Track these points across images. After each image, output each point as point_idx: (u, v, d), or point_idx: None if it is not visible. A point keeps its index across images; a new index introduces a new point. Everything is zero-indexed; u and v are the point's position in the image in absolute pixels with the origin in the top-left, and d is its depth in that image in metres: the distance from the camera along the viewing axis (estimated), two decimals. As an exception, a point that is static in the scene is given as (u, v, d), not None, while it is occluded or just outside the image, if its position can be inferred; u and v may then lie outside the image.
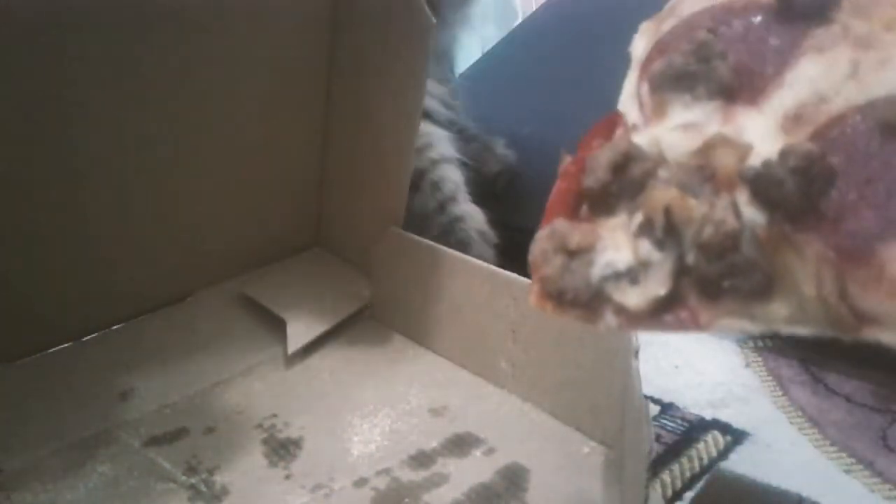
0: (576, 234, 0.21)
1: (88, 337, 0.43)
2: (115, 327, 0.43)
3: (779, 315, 0.18)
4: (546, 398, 0.39)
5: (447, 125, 0.56)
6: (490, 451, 0.37)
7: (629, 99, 0.22)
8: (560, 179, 0.22)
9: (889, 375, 0.40)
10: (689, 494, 0.34)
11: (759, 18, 0.21)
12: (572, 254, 0.21)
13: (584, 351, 0.37)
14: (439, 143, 0.53)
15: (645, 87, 0.22)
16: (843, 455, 0.35)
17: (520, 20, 0.95)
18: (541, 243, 0.21)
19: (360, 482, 0.35)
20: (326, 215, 0.51)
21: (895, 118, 0.18)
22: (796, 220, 0.18)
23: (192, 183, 0.44)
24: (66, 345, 0.42)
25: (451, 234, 0.49)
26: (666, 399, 0.40)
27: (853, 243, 0.17)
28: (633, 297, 0.19)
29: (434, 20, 0.38)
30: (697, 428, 0.38)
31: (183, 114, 0.41)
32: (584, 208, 0.21)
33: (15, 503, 0.34)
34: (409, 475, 0.35)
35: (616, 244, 0.20)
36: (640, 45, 0.23)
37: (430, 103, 0.55)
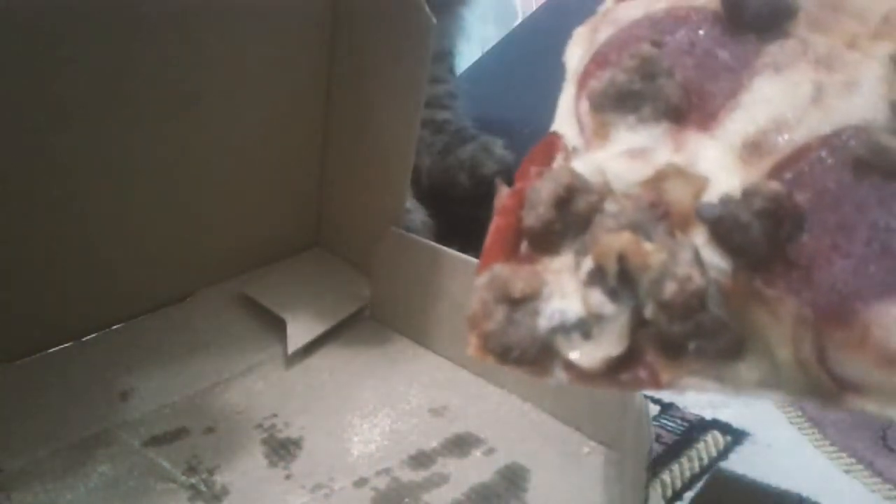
0: (518, 280, 0.18)
1: (88, 337, 0.43)
2: (115, 327, 0.43)
3: (749, 378, 0.17)
4: (546, 398, 0.39)
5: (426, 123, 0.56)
6: (490, 451, 0.36)
7: (566, 117, 0.20)
8: (497, 216, 0.20)
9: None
10: (689, 494, 0.34)
11: (705, 29, 0.19)
12: (516, 303, 0.18)
13: None
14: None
15: (584, 106, 0.19)
16: (843, 455, 0.35)
17: (520, 20, 0.95)
18: (480, 293, 0.18)
19: (360, 482, 0.35)
20: (326, 215, 0.51)
21: (867, 153, 0.16)
22: (764, 268, 0.16)
23: (192, 183, 0.44)
24: (66, 345, 0.42)
25: (403, 224, 0.50)
26: (666, 399, 0.40)
27: (830, 300, 0.15)
28: (586, 355, 0.17)
29: (434, 20, 0.39)
30: (697, 428, 0.38)
31: (182, 114, 0.41)
32: (525, 246, 0.19)
33: (15, 503, 0.34)
34: (409, 475, 0.35)
35: (562, 290, 0.17)
36: (574, 55, 0.21)
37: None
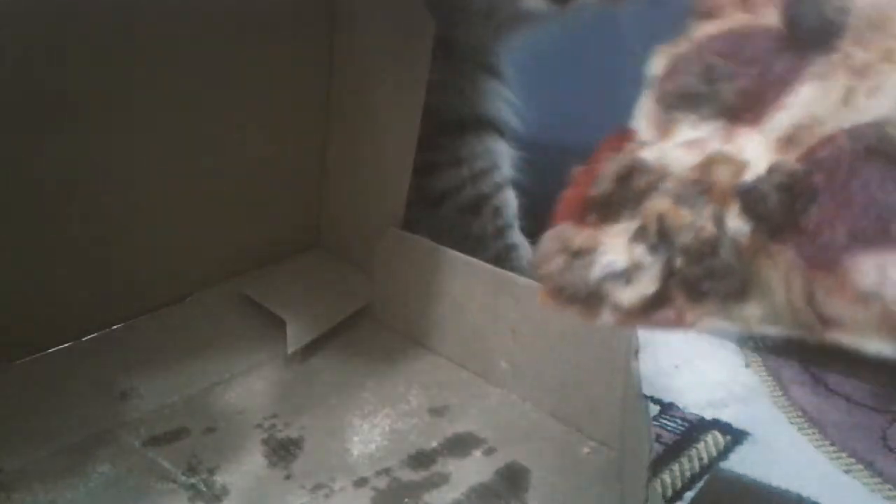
0: (578, 237, 0.22)
1: (88, 337, 0.43)
2: (115, 327, 0.43)
3: (753, 316, 0.20)
4: (546, 398, 0.39)
5: (512, 139, 0.52)
6: (490, 450, 0.37)
7: (642, 116, 0.24)
8: (570, 187, 0.24)
9: (889, 375, 0.40)
10: (689, 494, 0.34)
11: (768, 45, 0.22)
12: (574, 254, 0.22)
13: (585, 351, 0.37)
14: (504, 163, 0.50)
15: (657, 106, 0.24)
16: (843, 455, 0.35)
17: (520, 20, 0.95)
18: (546, 243, 0.23)
19: (361, 482, 0.35)
20: (327, 216, 0.51)
21: (877, 142, 0.19)
22: (776, 232, 0.19)
23: (192, 183, 0.44)
24: (66, 345, 0.42)
25: (506, 261, 0.48)
26: (666, 399, 0.40)
27: (823, 255, 0.19)
28: (627, 295, 0.21)
29: (433, 20, 0.38)
30: (697, 428, 0.38)
31: (182, 114, 0.41)
32: (592, 216, 0.23)
33: (15, 503, 0.34)
34: (409, 475, 0.35)
35: (616, 248, 0.22)
36: (656, 67, 0.25)
37: (502, 112, 0.51)
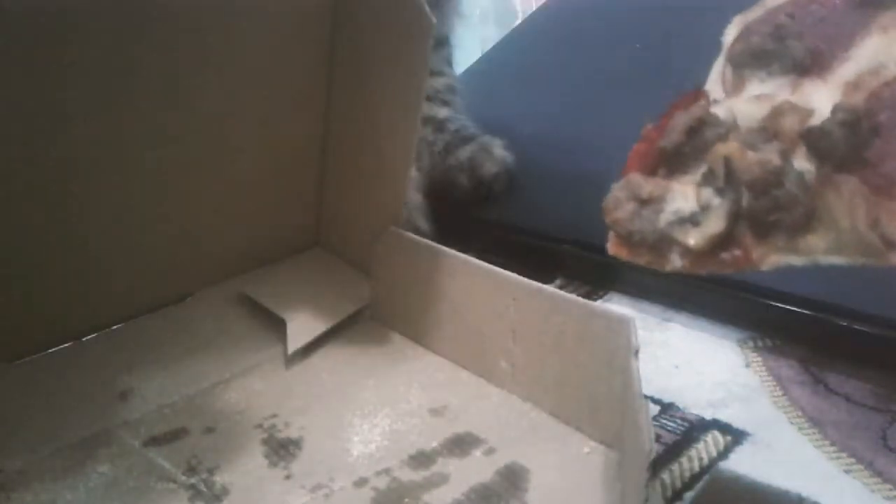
0: (648, 187, 0.24)
1: (88, 337, 0.43)
2: (115, 327, 0.43)
3: (818, 247, 0.22)
4: (546, 398, 0.39)
5: (427, 120, 0.57)
6: (490, 450, 0.36)
7: (714, 78, 0.26)
8: (639, 142, 0.26)
9: (889, 375, 0.40)
10: (689, 494, 0.34)
11: (835, 4, 0.24)
12: (643, 202, 0.24)
13: (584, 350, 0.37)
14: None
15: (728, 67, 0.25)
16: (843, 455, 0.35)
17: (520, 20, 0.95)
18: (615, 192, 0.24)
19: (361, 482, 0.35)
20: (326, 215, 0.51)
21: None
22: (840, 165, 0.21)
23: (192, 183, 0.44)
24: (66, 345, 0.42)
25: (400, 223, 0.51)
26: (666, 399, 0.40)
27: (886, 181, 0.20)
28: (695, 238, 0.23)
29: (434, 20, 0.39)
30: (697, 428, 0.38)
31: (182, 114, 0.41)
32: (661, 168, 0.24)
33: (15, 503, 0.34)
34: (409, 475, 0.35)
35: (684, 195, 0.23)
36: (729, 33, 0.26)
37: None
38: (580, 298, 0.38)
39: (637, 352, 0.32)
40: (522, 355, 0.40)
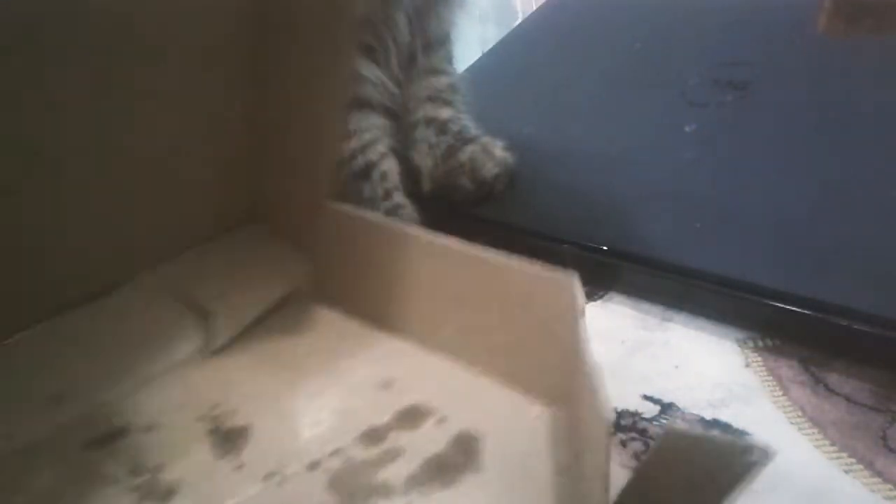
0: None
1: (11, 339, 0.40)
2: (39, 326, 0.41)
3: None
4: (494, 363, 0.39)
5: (390, 115, 0.58)
6: (442, 420, 0.37)
7: None
8: None
9: (889, 375, 0.40)
10: (689, 494, 0.34)
11: None
12: None
13: (530, 314, 0.37)
14: (385, 135, 0.57)
15: None
16: (843, 455, 0.35)
17: (520, 20, 0.95)
18: None
19: (313, 465, 0.35)
20: (259, 192, 0.49)
21: None
22: None
23: (116, 168, 0.41)
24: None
25: (394, 218, 0.52)
26: (666, 399, 0.40)
27: None
28: None
29: None
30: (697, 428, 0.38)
31: (104, 95, 0.39)
32: None
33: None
34: (362, 453, 0.35)
35: None
36: None
37: (375, 94, 0.56)
38: (524, 261, 0.38)
39: (583, 312, 0.32)
40: (468, 322, 0.40)
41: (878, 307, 0.39)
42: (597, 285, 0.51)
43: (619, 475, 0.35)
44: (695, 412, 0.39)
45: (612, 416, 0.28)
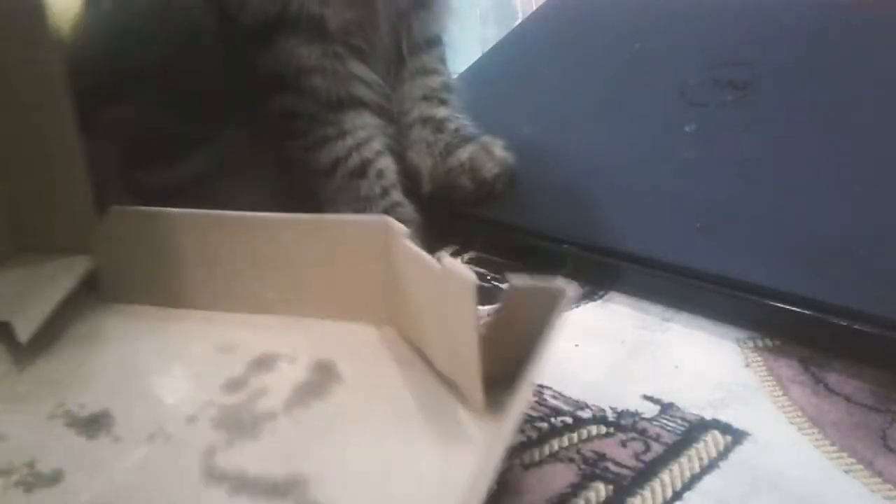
0: None
1: None
2: None
3: None
4: (323, 308, 0.43)
5: (385, 114, 0.58)
6: (293, 359, 0.41)
7: None
8: None
9: (889, 375, 0.40)
10: (689, 494, 0.34)
11: None
12: None
13: (346, 260, 0.42)
14: (379, 134, 0.57)
15: None
16: (843, 455, 0.35)
17: (520, 20, 0.95)
18: None
19: (191, 419, 0.37)
20: (14, 220, 0.50)
21: None
22: None
23: None
24: None
25: (392, 216, 0.52)
26: (666, 399, 0.40)
27: None
28: None
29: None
30: (697, 428, 0.38)
31: None
32: None
33: None
34: (231, 399, 0.38)
35: None
36: None
37: (367, 93, 0.56)
38: (328, 216, 0.45)
39: (408, 237, 0.37)
40: (285, 280, 0.44)
41: (878, 307, 0.39)
42: (597, 285, 0.51)
43: (619, 474, 0.35)
44: (695, 412, 0.39)
45: (473, 277, 0.33)
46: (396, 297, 0.41)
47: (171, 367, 0.41)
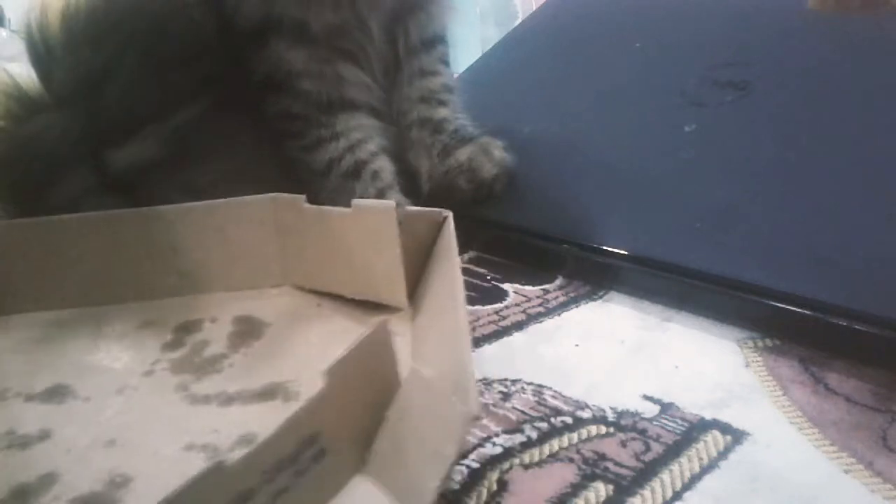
0: None
1: None
2: None
3: None
4: (219, 282, 0.49)
5: (379, 115, 0.59)
6: (213, 319, 0.47)
7: None
8: None
9: (889, 375, 0.40)
10: (689, 494, 0.34)
11: None
12: None
13: (235, 232, 0.48)
14: (376, 135, 0.57)
15: None
16: (843, 455, 0.35)
17: (520, 20, 0.95)
18: None
19: (149, 373, 0.42)
20: None
21: None
22: None
23: None
24: None
25: None
26: (666, 399, 0.40)
27: None
28: None
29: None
30: (697, 428, 0.38)
31: None
32: None
33: None
34: (176, 354, 0.43)
35: None
36: None
37: (360, 95, 0.57)
38: (218, 201, 0.48)
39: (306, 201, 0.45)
40: (187, 264, 0.49)
41: (878, 307, 0.39)
42: (597, 285, 0.51)
43: (619, 474, 0.35)
44: (695, 412, 0.39)
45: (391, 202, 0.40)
46: (292, 260, 0.48)
47: (99, 347, 0.45)
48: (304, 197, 0.47)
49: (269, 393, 0.40)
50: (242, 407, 0.39)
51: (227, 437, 0.36)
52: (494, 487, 0.35)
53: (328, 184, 0.56)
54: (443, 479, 0.28)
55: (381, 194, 0.55)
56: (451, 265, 0.39)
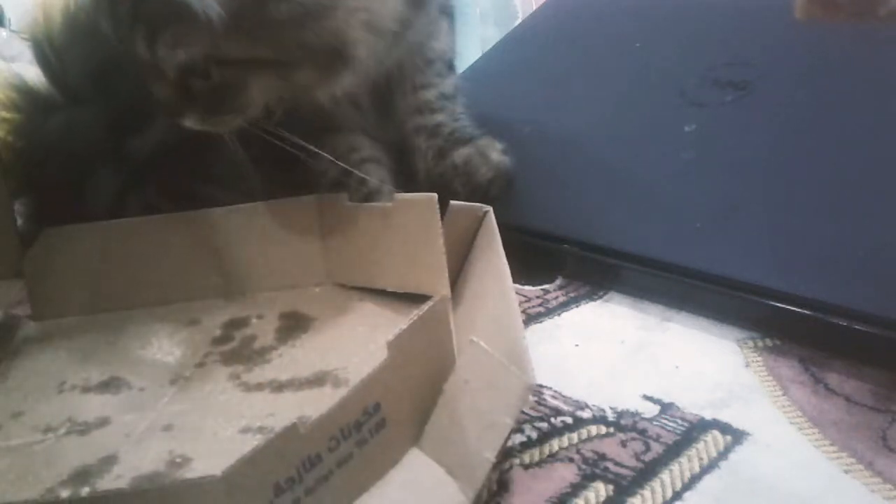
0: None
1: None
2: None
3: None
4: (262, 282, 0.50)
5: (418, 130, 0.60)
6: (260, 316, 0.48)
7: None
8: None
9: (889, 375, 0.40)
10: (689, 494, 0.34)
11: None
12: None
13: (278, 233, 0.50)
14: (363, 146, 0.58)
15: None
16: (843, 455, 0.35)
17: (520, 20, 0.95)
18: None
19: (200, 364, 0.44)
20: None
21: None
22: None
23: None
24: None
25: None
26: (666, 399, 0.40)
27: None
28: None
29: None
30: (697, 428, 0.38)
31: None
32: None
33: None
34: (226, 348, 0.45)
35: None
36: None
37: (342, 120, 0.57)
38: (262, 203, 0.50)
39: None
40: (231, 267, 0.50)
41: (878, 307, 0.39)
42: (597, 285, 0.51)
43: (619, 474, 0.35)
44: (695, 412, 0.39)
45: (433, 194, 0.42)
46: (334, 258, 0.50)
47: (151, 343, 0.46)
48: (346, 195, 0.49)
49: (318, 380, 0.41)
50: (294, 393, 0.40)
51: (282, 419, 0.37)
52: (494, 487, 0.35)
53: (320, 189, 0.55)
54: (498, 450, 0.30)
55: (368, 197, 0.54)
56: (495, 255, 0.40)
